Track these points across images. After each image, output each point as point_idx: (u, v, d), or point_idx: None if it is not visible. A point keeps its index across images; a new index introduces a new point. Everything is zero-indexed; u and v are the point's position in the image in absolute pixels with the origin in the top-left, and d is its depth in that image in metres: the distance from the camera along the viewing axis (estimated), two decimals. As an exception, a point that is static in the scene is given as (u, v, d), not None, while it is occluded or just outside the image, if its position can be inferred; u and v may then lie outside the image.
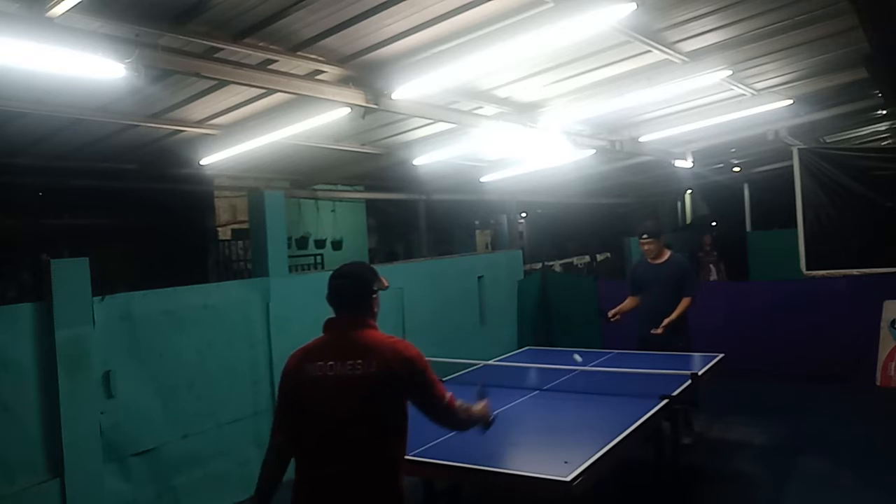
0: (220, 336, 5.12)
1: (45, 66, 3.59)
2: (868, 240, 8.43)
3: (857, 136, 11.03)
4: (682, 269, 5.97)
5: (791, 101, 7.06)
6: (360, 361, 2.62)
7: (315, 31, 4.28)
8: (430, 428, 4.07)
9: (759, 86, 6.74)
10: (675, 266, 5.96)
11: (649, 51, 5.13)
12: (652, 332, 5.83)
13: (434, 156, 8.04)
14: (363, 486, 2.58)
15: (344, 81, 4.98)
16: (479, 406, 2.97)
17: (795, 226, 8.69)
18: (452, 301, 7.97)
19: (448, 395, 2.77)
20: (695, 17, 4.70)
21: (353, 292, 2.81)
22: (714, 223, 15.61)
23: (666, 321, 5.82)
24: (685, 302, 5.86)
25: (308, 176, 9.85)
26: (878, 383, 7.45)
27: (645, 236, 6.04)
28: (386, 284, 2.96)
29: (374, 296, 2.84)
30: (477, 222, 16.45)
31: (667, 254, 6.07)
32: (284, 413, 2.74)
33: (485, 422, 2.98)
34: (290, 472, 2.72)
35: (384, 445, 2.62)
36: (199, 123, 6.16)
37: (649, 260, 6.14)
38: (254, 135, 6.12)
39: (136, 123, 5.86)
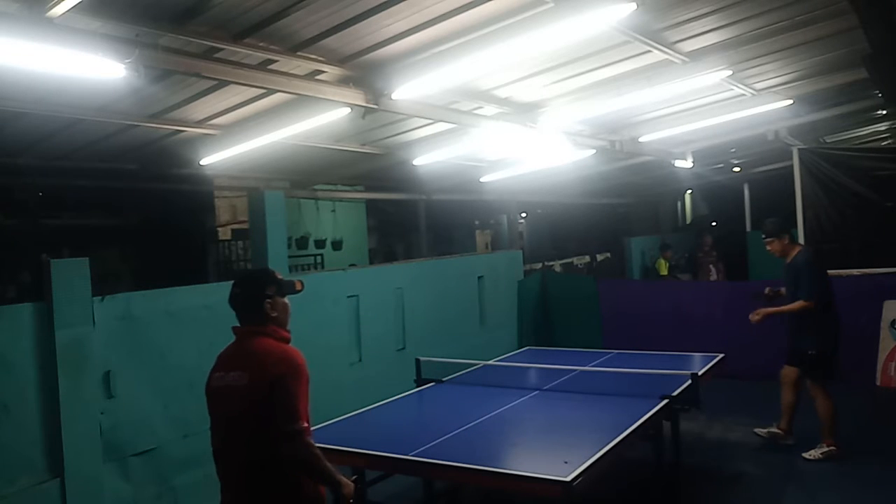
0: (221, 336, 5.08)
1: (45, 66, 3.59)
2: (868, 240, 8.43)
3: (857, 136, 11.04)
4: (796, 270, 5.42)
5: (791, 101, 7.06)
6: (239, 373, 2.60)
7: (315, 31, 4.28)
8: (430, 428, 4.09)
9: (759, 86, 6.74)
10: (793, 267, 5.46)
11: (649, 51, 5.13)
12: (751, 317, 5.53)
13: (434, 156, 8.05)
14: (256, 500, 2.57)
15: (344, 81, 4.98)
16: (341, 475, 2.63)
17: (795, 226, 8.69)
18: (452, 301, 7.97)
19: (305, 424, 2.53)
20: (695, 17, 4.70)
21: (242, 299, 2.74)
22: (714, 223, 15.62)
23: (763, 310, 5.50)
24: (797, 304, 5.35)
25: (308, 176, 9.85)
26: (878, 383, 7.45)
27: (763, 237, 5.66)
28: (298, 288, 2.87)
29: (269, 300, 2.72)
30: (477, 222, 16.47)
31: (795, 251, 5.53)
32: None
33: (338, 489, 2.59)
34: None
35: (265, 458, 2.53)
36: (199, 123, 6.16)
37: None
38: (254, 135, 6.12)
39: (136, 123, 5.86)
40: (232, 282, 2.84)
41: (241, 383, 2.57)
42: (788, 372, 5.65)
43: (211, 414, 2.75)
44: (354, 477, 2.77)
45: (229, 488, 2.68)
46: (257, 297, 2.72)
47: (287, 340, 2.74)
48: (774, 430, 5.74)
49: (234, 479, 2.65)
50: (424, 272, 7.69)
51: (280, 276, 2.83)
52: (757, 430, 5.83)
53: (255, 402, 2.53)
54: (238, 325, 2.77)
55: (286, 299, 2.82)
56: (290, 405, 2.50)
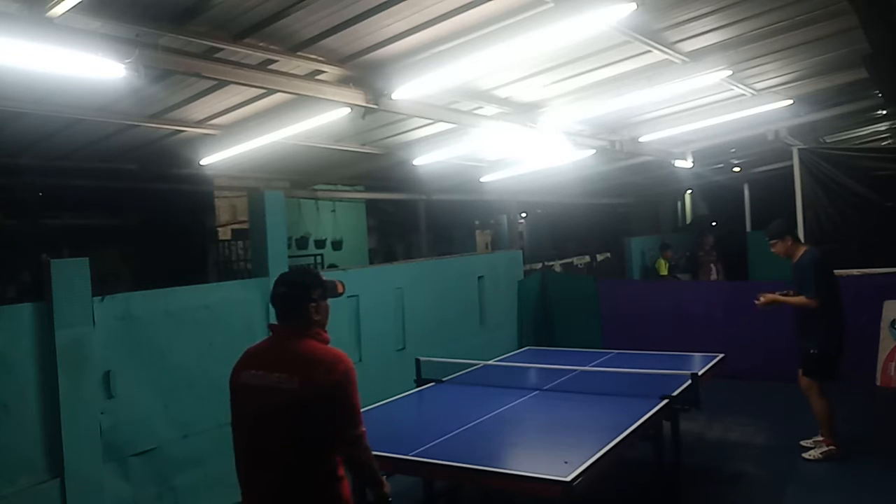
0: (221, 336, 5.12)
1: (45, 66, 3.59)
2: (868, 240, 8.43)
3: (857, 136, 11.04)
4: (802, 269, 5.40)
5: (791, 101, 7.06)
6: (284, 375, 2.55)
7: (315, 31, 4.28)
8: (430, 428, 4.10)
9: (759, 86, 6.74)
10: (799, 266, 5.44)
11: (649, 51, 5.13)
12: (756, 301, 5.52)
13: (434, 156, 8.05)
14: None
15: (344, 81, 4.98)
16: (383, 477, 2.73)
17: (795, 226, 8.69)
18: (452, 301, 7.97)
19: (363, 428, 2.59)
20: (695, 17, 4.70)
21: (287, 300, 2.71)
22: (714, 223, 15.62)
23: (771, 295, 5.47)
24: (802, 298, 5.34)
25: (308, 176, 9.85)
26: (878, 383, 7.46)
27: (767, 239, 5.63)
28: (340, 291, 2.87)
29: (314, 304, 2.70)
30: (477, 222, 16.46)
31: (800, 251, 5.51)
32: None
33: (381, 489, 2.69)
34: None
35: (307, 462, 2.54)
36: (199, 123, 6.16)
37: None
38: (254, 135, 6.12)
39: (136, 123, 5.86)
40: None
41: (289, 386, 2.52)
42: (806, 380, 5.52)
43: (239, 411, 2.69)
44: (383, 475, 2.82)
45: (256, 487, 2.63)
46: (302, 300, 2.69)
47: (328, 342, 2.73)
48: (824, 448, 5.46)
49: (265, 480, 2.59)
50: (424, 272, 7.70)
51: (325, 279, 2.81)
52: (805, 455, 5.52)
53: (305, 405, 2.50)
54: (276, 322, 2.74)
55: (328, 302, 2.80)
56: (351, 410, 2.55)
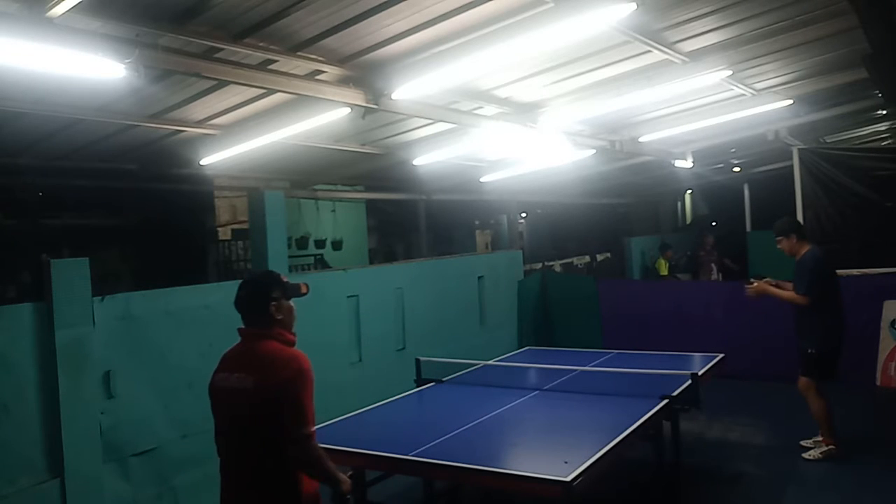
0: (221, 336, 5.09)
1: (45, 66, 3.59)
2: (868, 240, 8.43)
3: (857, 136, 11.04)
4: (800, 267, 5.44)
5: (791, 101, 7.06)
6: (243, 375, 2.62)
7: (315, 31, 4.28)
8: (430, 428, 4.09)
9: (759, 86, 6.74)
10: (800, 264, 5.46)
11: (649, 51, 5.13)
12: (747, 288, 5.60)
13: (434, 156, 8.05)
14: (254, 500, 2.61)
15: (344, 81, 4.98)
16: (340, 473, 2.71)
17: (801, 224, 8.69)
18: (452, 301, 7.97)
19: (312, 429, 2.58)
20: (695, 17, 4.70)
21: (247, 301, 2.75)
22: (714, 223, 15.62)
23: (763, 285, 5.54)
24: (793, 294, 5.40)
25: (308, 176, 9.86)
26: (878, 383, 7.45)
27: (774, 236, 5.67)
28: (304, 291, 2.88)
29: (274, 303, 2.73)
30: (477, 222, 16.46)
31: (804, 249, 5.51)
32: None
33: (338, 486, 2.67)
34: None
35: (268, 461, 2.58)
36: (199, 123, 6.16)
37: None
38: (254, 135, 6.12)
39: (136, 123, 5.86)
40: (237, 282, 2.86)
41: (245, 385, 2.60)
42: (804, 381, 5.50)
43: (214, 413, 2.78)
44: (350, 473, 2.83)
45: (230, 487, 2.71)
46: (262, 300, 2.73)
47: (292, 343, 2.76)
48: (824, 447, 5.46)
49: (236, 479, 2.68)
50: (424, 272, 7.69)
51: (285, 279, 2.84)
52: (805, 455, 5.51)
53: (259, 405, 2.56)
54: (243, 326, 2.79)
55: (291, 302, 2.83)
56: (298, 410, 2.54)
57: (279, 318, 2.75)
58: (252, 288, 2.79)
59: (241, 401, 2.60)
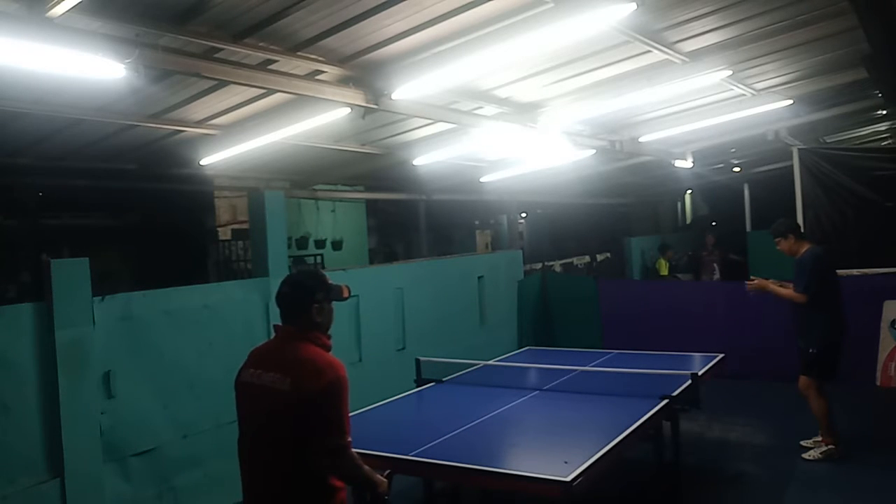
0: (220, 336, 5.12)
1: (45, 66, 3.59)
2: (868, 240, 8.44)
3: (857, 136, 11.04)
4: (799, 265, 5.45)
5: (791, 101, 7.06)
6: (279, 375, 2.56)
7: (315, 31, 4.28)
8: (430, 428, 4.09)
9: (759, 86, 6.74)
10: (799, 263, 5.47)
11: (649, 51, 5.13)
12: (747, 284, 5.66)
13: (434, 156, 8.05)
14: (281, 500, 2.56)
15: (344, 81, 4.98)
16: (376, 475, 2.69)
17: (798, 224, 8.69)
18: (452, 301, 7.97)
19: (349, 438, 2.55)
20: (695, 17, 4.70)
21: (289, 301, 2.71)
22: (714, 223, 15.62)
23: (763, 281, 5.58)
24: (790, 292, 5.42)
25: (308, 176, 9.86)
26: (878, 383, 7.46)
27: (773, 239, 5.70)
28: (346, 295, 2.85)
29: (317, 305, 2.70)
30: (477, 222, 16.45)
31: (803, 248, 5.52)
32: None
33: (375, 489, 2.66)
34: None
35: (297, 465, 2.52)
36: (199, 123, 6.16)
37: None
38: (254, 135, 6.12)
39: (136, 123, 5.86)
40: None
41: (281, 387, 2.53)
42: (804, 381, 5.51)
43: (239, 410, 2.72)
44: (387, 472, 2.81)
45: (253, 488, 2.64)
46: (306, 301, 2.69)
47: (328, 348, 2.73)
48: (823, 447, 5.46)
49: (261, 480, 2.60)
50: (424, 272, 7.69)
51: (331, 282, 2.80)
52: (805, 455, 5.51)
53: (296, 407, 2.49)
54: (280, 323, 2.74)
55: (332, 304, 2.80)
56: (337, 419, 2.51)
57: (318, 320, 2.72)
58: (297, 287, 2.74)
59: (276, 401, 2.52)
